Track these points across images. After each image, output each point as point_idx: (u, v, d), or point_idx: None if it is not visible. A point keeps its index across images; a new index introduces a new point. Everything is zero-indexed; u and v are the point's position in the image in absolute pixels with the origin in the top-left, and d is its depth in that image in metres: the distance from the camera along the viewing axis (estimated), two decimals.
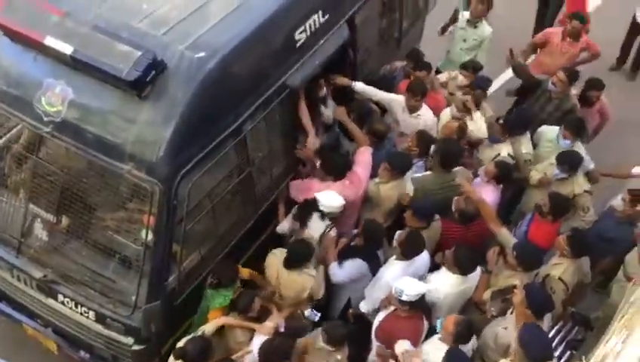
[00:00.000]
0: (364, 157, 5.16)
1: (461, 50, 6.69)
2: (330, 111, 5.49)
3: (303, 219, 4.76)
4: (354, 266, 4.74)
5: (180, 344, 4.06)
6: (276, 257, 4.61)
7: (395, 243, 4.69)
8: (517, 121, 5.69)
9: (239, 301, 4.32)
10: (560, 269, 4.71)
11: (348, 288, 4.88)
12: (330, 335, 4.16)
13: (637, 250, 4.78)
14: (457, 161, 5.24)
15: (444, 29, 6.87)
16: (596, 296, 5.42)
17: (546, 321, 4.45)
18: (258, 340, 4.21)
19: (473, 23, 6.59)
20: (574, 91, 6.16)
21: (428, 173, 5.28)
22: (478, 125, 5.65)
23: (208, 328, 4.24)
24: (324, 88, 5.39)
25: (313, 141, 5.05)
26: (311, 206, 4.76)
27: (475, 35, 6.61)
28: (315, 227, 4.79)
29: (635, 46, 8.45)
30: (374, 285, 4.70)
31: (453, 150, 5.25)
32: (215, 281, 4.35)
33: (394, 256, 4.70)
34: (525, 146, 5.70)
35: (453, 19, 6.79)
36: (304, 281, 4.56)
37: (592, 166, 5.73)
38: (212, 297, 4.38)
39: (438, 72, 6.75)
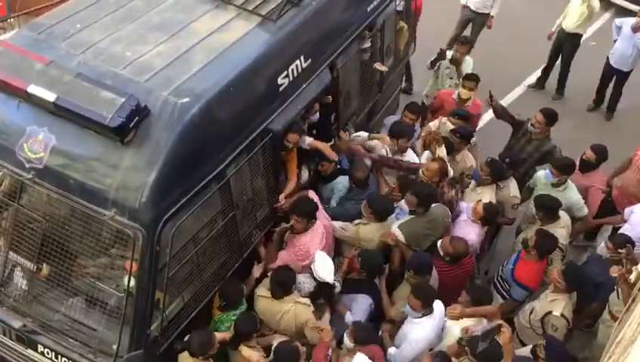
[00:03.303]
0: (315, 196, 5.22)
1: (449, 86, 7.09)
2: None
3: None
4: (361, 306, 4.83)
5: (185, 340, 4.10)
6: (265, 294, 4.60)
7: (408, 303, 4.64)
8: (502, 166, 5.74)
9: (241, 325, 4.33)
10: (560, 306, 4.73)
11: None
12: (357, 334, 4.32)
13: (617, 288, 4.79)
14: (432, 200, 5.27)
15: (433, 63, 7.13)
16: (584, 336, 5.41)
17: None
18: None
19: (457, 60, 7.01)
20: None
21: (410, 217, 5.28)
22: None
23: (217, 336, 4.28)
24: (318, 113, 5.42)
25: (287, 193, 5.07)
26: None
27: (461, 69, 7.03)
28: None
29: (609, 88, 8.71)
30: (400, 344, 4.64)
31: (425, 191, 5.25)
32: (223, 304, 4.43)
33: (413, 315, 4.62)
34: (513, 190, 5.78)
35: (441, 56, 7.09)
36: (301, 312, 4.53)
37: (585, 211, 5.81)
38: (220, 322, 4.44)
39: (424, 105, 7.21)
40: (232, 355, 4.44)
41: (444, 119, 6.31)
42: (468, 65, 7.10)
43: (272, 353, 4.26)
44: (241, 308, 4.56)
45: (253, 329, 4.36)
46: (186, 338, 4.16)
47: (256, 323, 4.41)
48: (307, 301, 4.59)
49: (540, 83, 9.15)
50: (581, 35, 8.55)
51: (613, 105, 8.75)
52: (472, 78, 6.57)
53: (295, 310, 4.54)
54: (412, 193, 5.19)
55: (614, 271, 4.70)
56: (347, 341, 4.38)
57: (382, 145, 5.76)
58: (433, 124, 6.28)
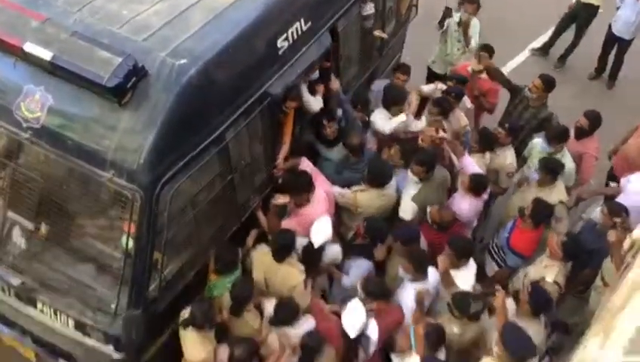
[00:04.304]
0: (308, 164, 5.20)
1: (458, 50, 6.97)
2: (315, 101, 5.35)
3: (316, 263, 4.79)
4: (359, 270, 4.86)
5: (185, 313, 4.14)
6: (262, 252, 4.66)
7: (401, 269, 4.73)
8: (491, 136, 5.73)
9: (238, 292, 4.34)
10: (554, 272, 4.80)
11: None
12: (368, 286, 4.45)
13: (611, 256, 4.84)
14: (435, 162, 5.32)
15: (441, 23, 7.02)
16: (575, 302, 5.49)
17: (543, 322, 4.54)
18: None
19: (465, 23, 6.84)
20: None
21: (419, 186, 5.27)
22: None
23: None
24: (318, 72, 5.33)
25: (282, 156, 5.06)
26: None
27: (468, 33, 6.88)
28: None
29: (611, 56, 8.63)
30: None
31: (428, 157, 5.29)
32: (219, 267, 4.45)
33: (407, 279, 4.71)
34: (510, 158, 5.77)
35: (447, 14, 6.98)
36: (293, 273, 4.58)
37: (572, 180, 5.83)
38: (215, 287, 4.46)
39: (430, 71, 7.16)
40: (233, 325, 4.45)
41: (441, 85, 6.27)
42: (475, 27, 6.95)
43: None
44: (236, 273, 4.58)
45: (250, 293, 4.39)
46: (184, 315, 4.18)
47: (252, 288, 4.45)
48: (301, 267, 4.62)
49: (545, 49, 9.06)
50: (597, 7, 8.41)
51: (614, 73, 8.69)
52: (485, 49, 6.44)
53: (288, 271, 4.59)
54: (417, 163, 5.20)
55: (612, 236, 4.75)
56: (360, 291, 4.46)
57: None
58: (427, 88, 6.24)
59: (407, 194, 5.25)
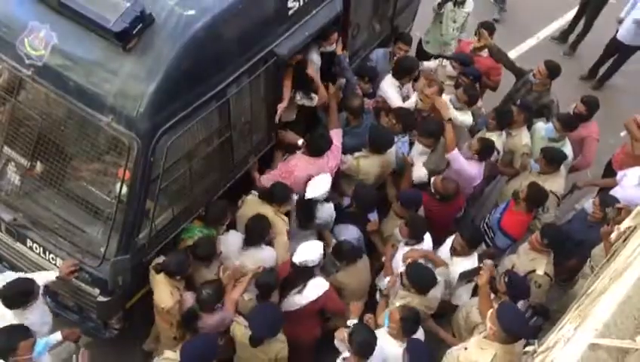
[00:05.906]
0: (337, 134, 5.21)
1: (453, 30, 6.82)
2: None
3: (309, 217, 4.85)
4: (350, 235, 4.93)
5: (159, 260, 4.22)
6: (253, 200, 4.82)
7: (397, 231, 4.83)
8: (508, 113, 5.72)
9: (197, 244, 4.43)
10: (542, 264, 4.84)
11: None
12: (340, 251, 4.64)
13: (602, 246, 4.89)
14: (442, 132, 5.38)
15: (440, 5, 6.82)
16: (559, 290, 5.55)
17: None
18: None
19: (460, 2, 6.70)
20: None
21: (429, 152, 5.40)
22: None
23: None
24: (335, 44, 5.32)
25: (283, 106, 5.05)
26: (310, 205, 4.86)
27: (463, 12, 6.76)
28: None
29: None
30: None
31: (435, 127, 5.38)
32: (205, 218, 4.57)
33: (402, 244, 4.83)
34: (525, 138, 5.77)
35: None
36: (277, 221, 4.68)
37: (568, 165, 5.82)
38: (189, 230, 4.55)
39: (420, 50, 6.98)
40: (200, 273, 4.53)
41: (445, 62, 6.21)
42: (469, 4, 6.79)
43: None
44: (212, 230, 4.63)
45: (208, 253, 4.44)
46: (159, 260, 4.26)
47: (214, 250, 4.49)
48: (286, 219, 4.72)
49: (564, 36, 8.95)
50: None
51: (604, 76, 8.44)
52: (486, 27, 6.35)
53: (273, 219, 4.64)
54: (424, 136, 5.30)
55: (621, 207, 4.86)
56: (333, 259, 4.57)
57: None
58: (428, 64, 6.20)
59: (419, 160, 5.39)
